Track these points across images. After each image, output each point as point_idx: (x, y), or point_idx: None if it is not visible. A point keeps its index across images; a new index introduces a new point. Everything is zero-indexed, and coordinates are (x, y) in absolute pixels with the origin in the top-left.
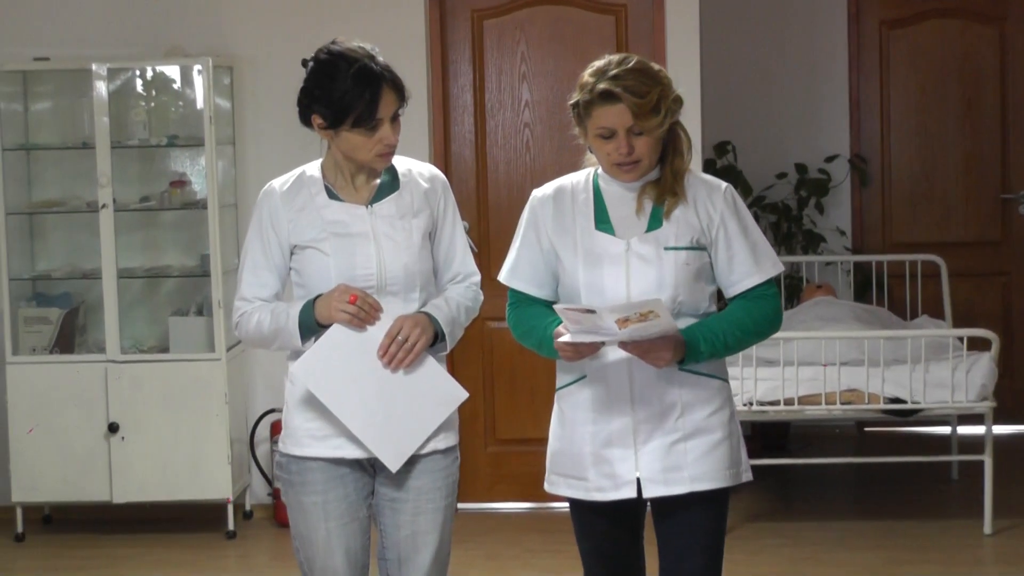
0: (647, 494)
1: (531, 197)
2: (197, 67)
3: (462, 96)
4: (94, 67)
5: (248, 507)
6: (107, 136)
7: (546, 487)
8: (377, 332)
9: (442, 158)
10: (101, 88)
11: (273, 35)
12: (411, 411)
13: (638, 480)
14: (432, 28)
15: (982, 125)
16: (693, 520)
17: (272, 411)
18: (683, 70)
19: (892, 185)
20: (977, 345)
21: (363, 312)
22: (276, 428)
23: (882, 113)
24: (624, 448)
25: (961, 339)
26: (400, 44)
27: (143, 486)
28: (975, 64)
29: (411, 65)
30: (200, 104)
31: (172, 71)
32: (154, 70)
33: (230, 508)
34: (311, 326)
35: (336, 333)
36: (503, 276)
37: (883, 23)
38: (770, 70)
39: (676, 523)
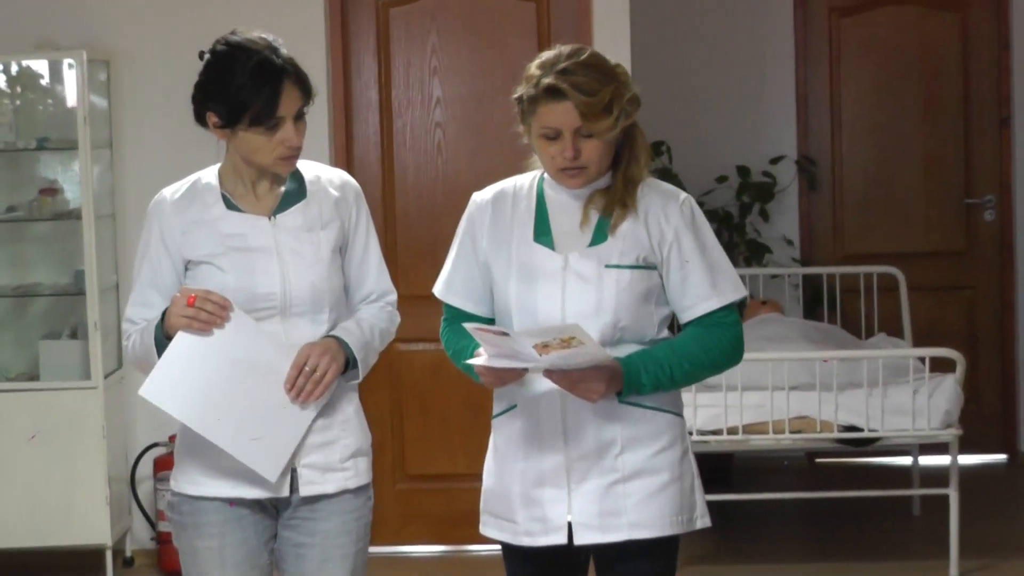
0: (579, 540)
1: (470, 201)
2: (69, 61)
3: (366, 93)
4: None
5: (129, 553)
6: None
7: (480, 528)
8: (232, 333)
9: (344, 162)
10: None
11: (155, 26)
12: (278, 414)
13: (570, 525)
14: (332, 17)
15: (943, 123)
16: (634, 572)
17: (155, 445)
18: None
19: (844, 190)
20: (940, 366)
21: (203, 313)
22: (160, 464)
23: (832, 110)
24: (556, 488)
25: (923, 360)
26: (296, 35)
27: (10, 531)
28: (935, 56)
29: (309, 59)
30: (73, 102)
31: (41, 66)
32: (21, 64)
33: (109, 555)
34: (162, 340)
35: (180, 343)
36: (437, 290)
37: (833, 10)
38: (709, 63)
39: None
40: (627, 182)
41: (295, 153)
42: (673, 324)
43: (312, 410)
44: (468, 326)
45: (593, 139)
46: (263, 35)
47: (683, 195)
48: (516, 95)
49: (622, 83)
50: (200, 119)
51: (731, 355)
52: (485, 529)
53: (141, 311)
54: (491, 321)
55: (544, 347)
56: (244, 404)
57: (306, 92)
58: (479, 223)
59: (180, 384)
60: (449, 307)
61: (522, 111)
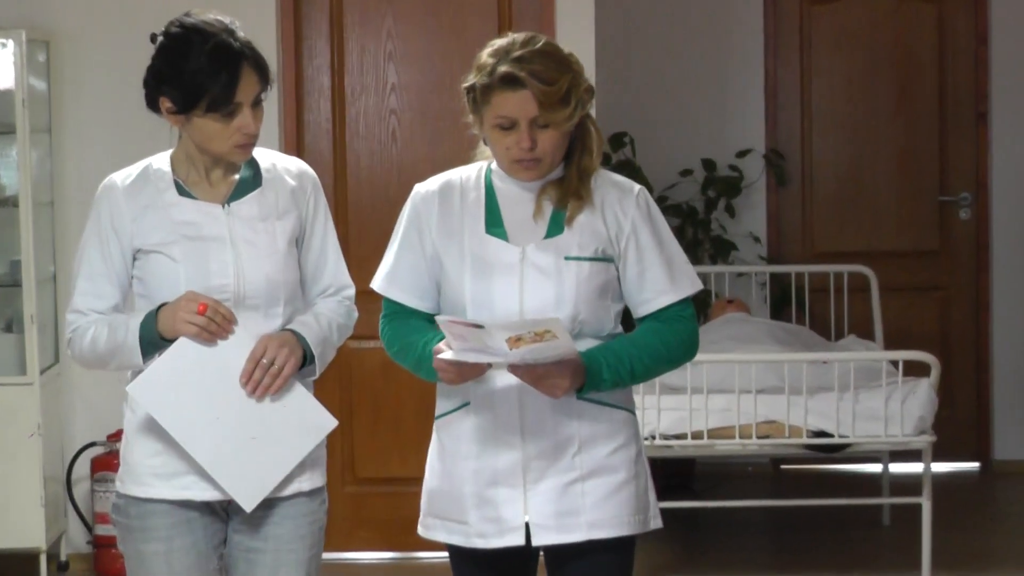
0: (537, 541)
1: (413, 192)
2: (6, 41)
3: (318, 78)
4: None
5: (64, 557)
6: None
7: (420, 531)
8: (231, 348)
9: (294, 150)
10: None
11: (98, 6)
12: (271, 441)
13: (527, 525)
14: (283, 0)
15: (918, 117)
16: (591, 573)
17: (93, 444)
18: (575, 50)
19: (814, 185)
20: (913, 370)
21: (213, 324)
22: (98, 464)
23: (803, 102)
24: (511, 488)
25: (896, 364)
26: (246, 18)
27: None
28: (910, 47)
29: (259, 42)
30: (10, 84)
31: None
32: None
33: (43, 559)
34: (154, 340)
35: (181, 348)
36: (377, 283)
37: None
38: (674, 51)
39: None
40: (581, 174)
41: (252, 141)
42: (625, 320)
43: (304, 447)
44: (439, 318)
45: (549, 130)
46: (219, 17)
47: (637, 187)
48: (467, 84)
49: (577, 73)
50: (152, 104)
51: (688, 349)
52: (429, 532)
53: (91, 301)
54: (434, 316)
55: (516, 340)
56: (233, 425)
57: (264, 78)
58: (425, 214)
59: (173, 391)
60: (390, 302)
61: (473, 100)
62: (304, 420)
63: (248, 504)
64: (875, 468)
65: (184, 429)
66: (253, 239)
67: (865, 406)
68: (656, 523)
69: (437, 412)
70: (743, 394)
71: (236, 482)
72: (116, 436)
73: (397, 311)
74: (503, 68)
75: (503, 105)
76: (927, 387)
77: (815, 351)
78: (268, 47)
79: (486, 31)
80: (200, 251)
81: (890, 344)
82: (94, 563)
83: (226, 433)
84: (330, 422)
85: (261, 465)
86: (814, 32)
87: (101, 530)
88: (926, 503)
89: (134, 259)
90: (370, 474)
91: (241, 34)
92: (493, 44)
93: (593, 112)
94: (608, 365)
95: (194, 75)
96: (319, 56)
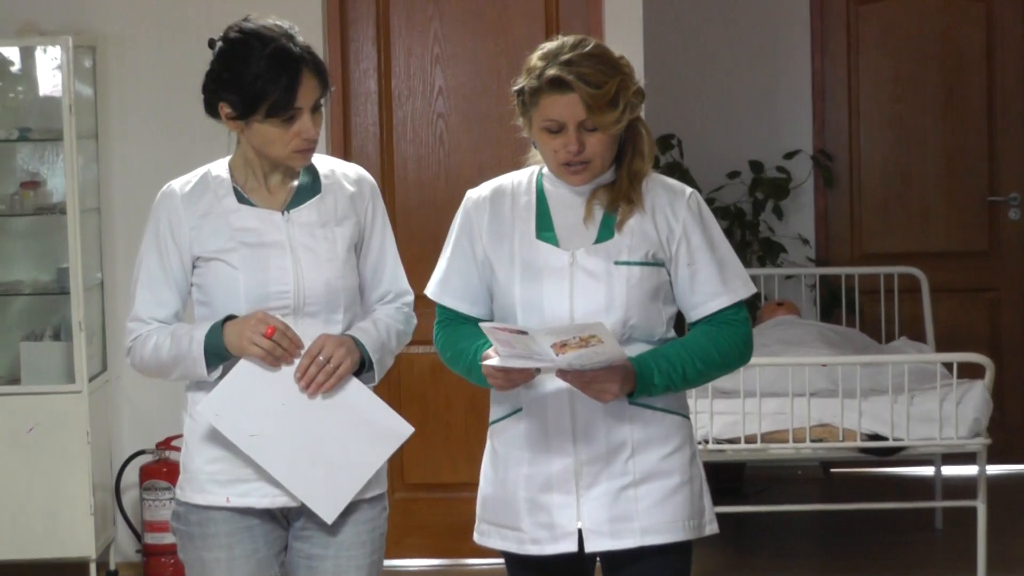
0: (590, 548)
1: (465, 199)
2: (54, 47)
3: (365, 82)
4: None
5: (113, 566)
6: None
7: (475, 537)
8: (298, 360)
9: (341, 154)
10: None
11: (144, 10)
12: (345, 451)
13: (580, 531)
14: (330, 4)
15: (966, 117)
16: None
17: (142, 452)
18: (623, 52)
19: (862, 186)
20: (965, 372)
21: (279, 349)
22: (147, 473)
23: (850, 103)
24: (564, 494)
25: (949, 366)
26: (293, 22)
27: None
28: (958, 46)
29: None
30: (57, 91)
31: (24, 52)
32: (2, 51)
33: (92, 568)
34: (219, 352)
35: (248, 367)
36: (431, 291)
37: None
38: (721, 53)
39: None
40: (631, 177)
41: (311, 146)
42: (679, 324)
43: (380, 455)
44: (483, 325)
45: (598, 133)
46: (278, 22)
47: (689, 190)
48: (516, 87)
49: (627, 75)
50: (211, 110)
51: (742, 353)
52: (483, 539)
53: (152, 309)
54: (488, 322)
55: (562, 346)
56: (307, 437)
57: (324, 82)
58: (476, 221)
59: (241, 408)
60: (443, 308)
61: (523, 103)
62: (379, 428)
63: (329, 516)
64: (927, 471)
65: (257, 446)
66: (312, 246)
67: (919, 408)
68: (712, 528)
69: (491, 418)
70: (796, 397)
71: (314, 494)
72: (165, 444)
73: (451, 317)
74: (551, 71)
75: (551, 108)
76: (982, 389)
77: (866, 353)
78: (315, 51)
79: (533, 34)
80: (260, 258)
81: (941, 345)
82: (144, 572)
83: (300, 446)
84: (406, 429)
85: (338, 475)
86: (862, 31)
87: (150, 538)
88: (981, 506)
89: (193, 266)
90: (420, 480)
91: (300, 39)
92: (543, 47)
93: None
94: (659, 370)
95: (254, 80)
96: (366, 60)
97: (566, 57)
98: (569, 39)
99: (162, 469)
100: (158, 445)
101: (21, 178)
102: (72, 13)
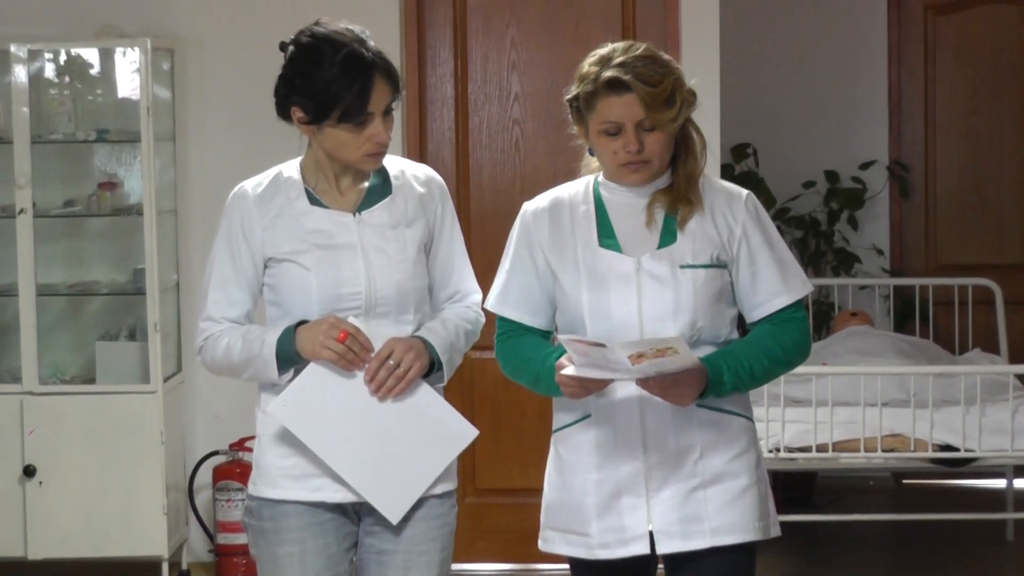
0: (662, 550)
1: (522, 211)
2: (133, 49)
3: (441, 87)
4: (12, 48)
5: (185, 566)
6: (26, 129)
7: (540, 545)
8: (367, 363)
9: (417, 158)
10: (20, 73)
11: (221, 13)
12: (412, 452)
13: (651, 534)
14: (407, 8)
15: None
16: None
17: (215, 453)
18: (700, 61)
19: (937, 197)
20: None
21: (351, 354)
22: (220, 474)
23: (926, 114)
24: (634, 497)
25: (1022, 377)
26: (369, 27)
27: (64, 540)
28: None
29: (382, 51)
30: (135, 93)
31: (103, 54)
32: (82, 53)
33: (165, 567)
34: (291, 356)
35: (318, 369)
36: (491, 303)
37: (928, 8)
38: (798, 63)
39: None
40: (687, 178)
41: (382, 150)
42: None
43: (445, 456)
44: (561, 337)
45: (656, 132)
46: (349, 26)
47: (745, 192)
48: (570, 96)
49: (679, 75)
50: (283, 114)
51: (803, 350)
52: (549, 545)
53: (224, 309)
54: (548, 334)
55: (639, 357)
56: (374, 438)
57: (395, 87)
58: (536, 232)
59: (311, 409)
60: (504, 320)
61: (578, 111)
62: (444, 430)
63: (394, 516)
64: (998, 483)
65: (327, 446)
66: (384, 247)
67: (992, 420)
68: (776, 531)
69: (555, 425)
70: (868, 407)
71: (381, 494)
72: (238, 445)
73: (512, 329)
74: (608, 73)
75: (608, 110)
76: None
77: (939, 365)
78: (392, 55)
79: (609, 40)
80: (332, 259)
81: (1015, 357)
82: (216, 572)
83: (367, 447)
84: (471, 431)
85: (404, 476)
86: (938, 42)
87: (223, 539)
88: None
89: (265, 267)
90: (490, 485)
91: (372, 43)
92: (594, 54)
93: (713, 120)
94: (728, 368)
95: (327, 85)
96: (442, 65)
97: (619, 60)
98: (619, 44)
99: (235, 470)
100: (231, 446)
101: (99, 179)
102: (151, 16)
